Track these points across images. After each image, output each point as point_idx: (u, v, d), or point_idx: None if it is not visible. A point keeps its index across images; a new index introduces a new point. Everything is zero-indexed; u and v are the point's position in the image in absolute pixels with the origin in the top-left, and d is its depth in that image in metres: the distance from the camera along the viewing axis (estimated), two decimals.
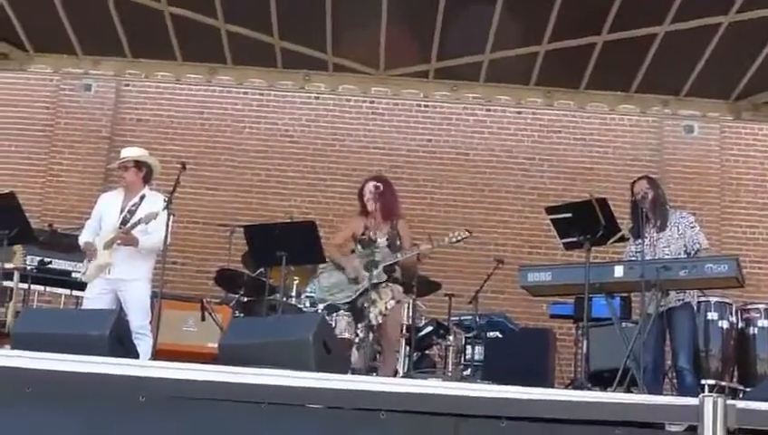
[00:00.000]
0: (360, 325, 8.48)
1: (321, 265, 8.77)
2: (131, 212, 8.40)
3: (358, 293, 8.45)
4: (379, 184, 8.74)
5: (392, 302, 8.48)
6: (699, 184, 13.11)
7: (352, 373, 7.59)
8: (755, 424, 5.05)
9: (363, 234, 8.60)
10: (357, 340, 8.48)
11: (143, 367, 6.43)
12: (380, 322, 8.42)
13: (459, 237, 8.76)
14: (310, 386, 5.58)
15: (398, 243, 8.59)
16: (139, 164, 8.59)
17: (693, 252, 8.10)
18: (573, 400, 5.35)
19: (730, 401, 4.30)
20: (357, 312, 8.51)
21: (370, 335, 8.33)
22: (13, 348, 7.22)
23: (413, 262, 8.72)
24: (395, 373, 8.56)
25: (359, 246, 8.61)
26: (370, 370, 8.39)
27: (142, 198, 8.49)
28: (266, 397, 5.52)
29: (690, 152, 13.30)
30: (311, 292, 9.61)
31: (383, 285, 8.48)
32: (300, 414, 5.68)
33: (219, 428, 5.62)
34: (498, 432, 5.50)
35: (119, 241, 8.23)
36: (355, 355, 8.38)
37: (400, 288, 8.64)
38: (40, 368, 5.66)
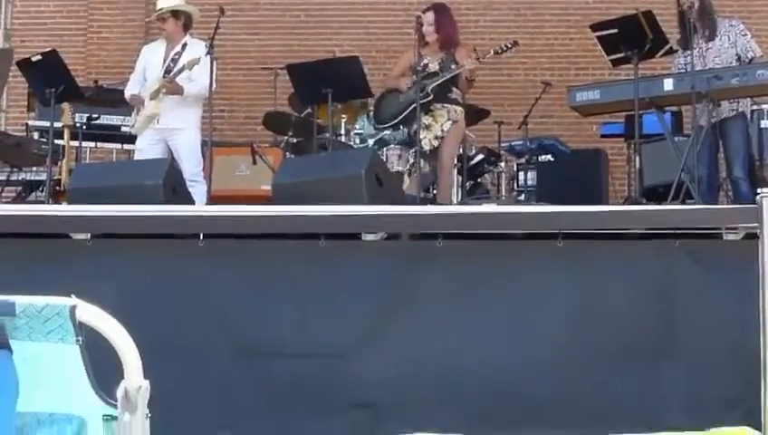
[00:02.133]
0: (410, 152, 8.39)
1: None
2: (174, 61, 8.40)
3: (402, 115, 8.40)
4: (436, 13, 8.61)
5: (449, 123, 8.38)
6: None
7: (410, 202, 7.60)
8: None
9: (418, 63, 8.49)
10: (408, 166, 8.41)
11: (200, 210, 6.52)
12: (435, 145, 8.35)
13: (505, 47, 8.64)
14: (364, 214, 5.62)
15: (454, 66, 8.44)
16: (176, 13, 8.55)
17: (747, 60, 7.94)
18: (629, 211, 5.36)
19: None
20: (409, 141, 8.44)
21: (422, 161, 8.27)
22: (69, 204, 7.33)
23: (464, 84, 8.56)
24: (450, 203, 8.56)
25: (414, 76, 8.54)
26: (425, 200, 8.39)
27: (184, 46, 8.47)
28: (322, 229, 5.58)
29: None
30: (360, 128, 9.59)
31: (439, 106, 8.38)
32: (357, 248, 5.74)
33: (279, 266, 5.70)
34: (556, 252, 5.54)
35: (164, 90, 8.24)
36: (406, 182, 8.33)
37: (459, 108, 8.51)
38: (97, 216, 5.73)
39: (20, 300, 2.21)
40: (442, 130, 8.35)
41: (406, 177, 8.35)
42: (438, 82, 8.33)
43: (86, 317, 2.17)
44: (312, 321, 5.61)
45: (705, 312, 5.44)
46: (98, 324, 2.14)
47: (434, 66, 8.44)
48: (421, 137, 8.11)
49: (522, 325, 5.56)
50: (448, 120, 8.39)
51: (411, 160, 8.35)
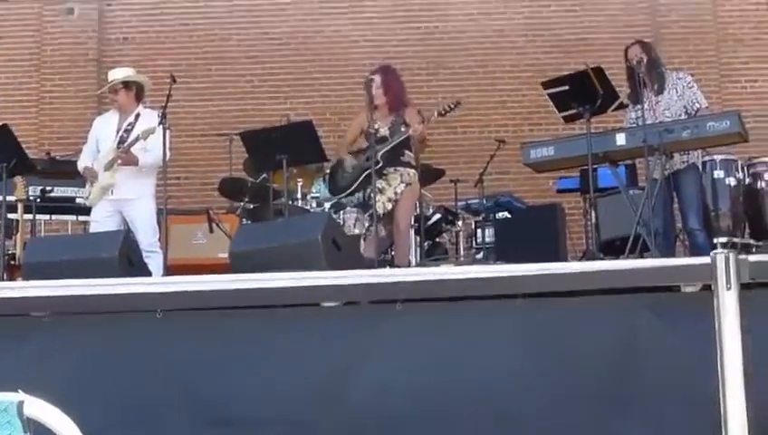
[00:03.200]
0: (365, 215, 8.40)
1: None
2: (128, 132, 8.38)
3: (357, 183, 8.41)
4: (383, 75, 8.66)
5: (402, 186, 8.38)
6: (695, 43, 12.95)
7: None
8: None
9: (369, 127, 8.51)
10: (364, 230, 8.41)
11: (157, 283, 6.46)
12: (389, 208, 8.34)
13: (449, 108, 8.65)
14: (323, 284, 5.59)
15: (403, 129, 8.46)
16: (127, 84, 8.56)
17: (693, 112, 8.05)
18: (587, 270, 5.36)
19: (741, 256, 4.29)
20: (364, 204, 8.45)
21: (379, 225, 8.26)
22: (25, 279, 7.25)
23: (418, 145, 8.58)
24: (408, 264, 8.56)
25: (361, 140, 8.56)
26: (383, 263, 8.38)
27: (137, 116, 8.46)
28: (281, 300, 5.54)
29: (684, 12, 13.11)
30: (316, 192, 9.60)
31: (391, 170, 8.39)
32: (316, 314, 5.70)
33: (238, 336, 5.64)
34: (514, 310, 5.52)
35: (119, 161, 8.21)
36: (362, 246, 8.32)
37: (412, 171, 8.51)
38: (54, 295, 5.66)
39: None
40: (395, 193, 8.35)
41: (362, 240, 8.35)
42: (387, 147, 8.36)
43: (34, 412, 2.12)
44: (272, 388, 5.55)
45: (664, 363, 5.42)
46: (46, 419, 2.10)
47: (384, 130, 8.47)
48: (375, 200, 8.11)
49: (482, 386, 5.53)
50: (401, 182, 8.39)
51: (367, 224, 8.35)
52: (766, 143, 10.42)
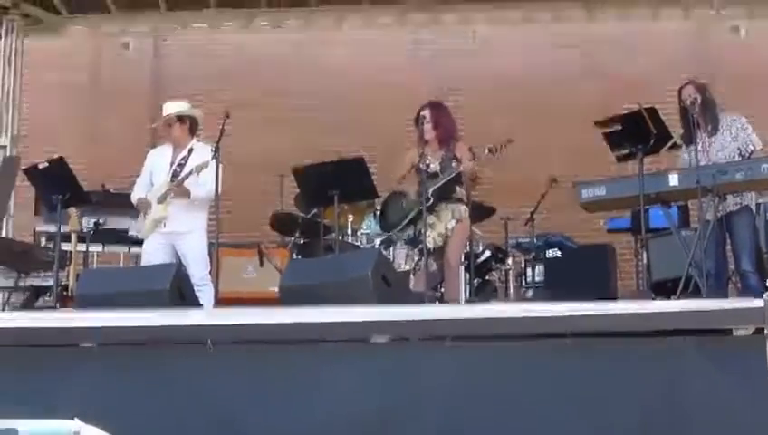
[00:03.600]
0: (415, 250, 8.42)
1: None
2: (181, 165, 8.44)
3: (408, 219, 8.42)
4: (433, 110, 8.70)
5: (453, 222, 8.41)
6: (749, 85, 12.87)
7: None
8: None
9: (419, 161, 8.53)
10: (413, 265, 8.42)
11: (208, 316, 6.49)
12: (440, 244, 8.36)
13: (500, 146, 8.55)
14: (372, 320, 5.58)
15: (454, 165, 8.48)
16: (182, 118, 8.63)
17: (747, 154, 7.99)
18: (639, 311, 5.32)
19: None
20: (414, 240, 8.46)
21: (430, 260, 8.25)
22: (77, 309, 7.31)
23: (469, 182, 8.60)
24: (458, 301, 8.54)
25: (413, 175, 8.59)
26: (433, 299, 8.38)
27: (191, 150, 8.52)
28: (330, 334, 5.54)
29: (738, 54, 13.06)
30: (366, 228, 9.61)
31: (443, 206, 8.41)
32: (364, 350, 5.70)
33: (287, 370, 5.65)
34: (564, 350, 5.50)
35: (172, 194, 8.27)
36: (412, 281, 8.32)
37: (463, 207, 8.53)
38: (106, 325, 5.70)
39: (23, 426, 2.18)
40: (446, 229, 8.38)
41: (411, 275, 8.34)
42: (438, 184, 8.38)
43: None
44: (323, 424, 5.54)
45: (716, 408, 5.38)
46: None
47: (435, 166, 8.48)
48: (426, 235, 8.13)
49: (532, 426, 5.49)
50: (452, 218, 8.42)
51: (416, 259, 8.35)
52: None
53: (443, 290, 8.69)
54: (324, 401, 5.55)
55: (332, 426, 5.50)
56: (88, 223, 9.65)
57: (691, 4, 13.08)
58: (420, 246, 8.24)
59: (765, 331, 4.12)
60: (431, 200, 8.30)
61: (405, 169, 8.72)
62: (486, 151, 8.55)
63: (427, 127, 8.61)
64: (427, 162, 8.45)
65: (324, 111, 13.34)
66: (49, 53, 13.64)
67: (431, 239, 8.26)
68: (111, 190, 10.69)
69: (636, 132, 7.70)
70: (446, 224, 8.40)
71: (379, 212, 8.88)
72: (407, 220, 8.45)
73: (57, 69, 13.62)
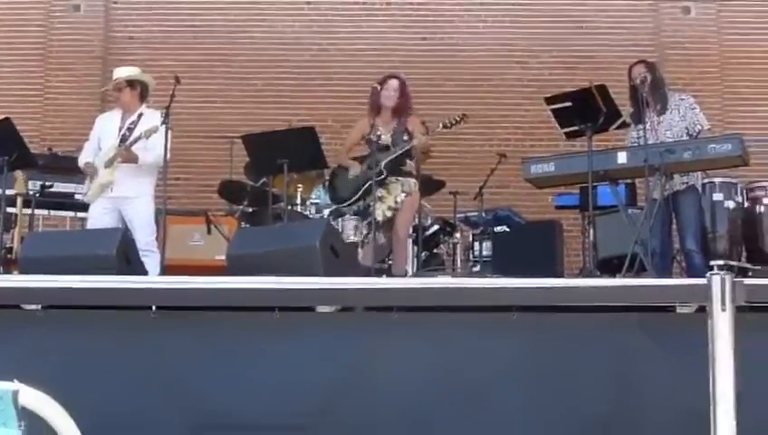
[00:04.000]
0: (363, 223, 8.48)
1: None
2: (130, 130, 8.40)
3: (360, 192, 8.43)
4: (401, 80, 8.77)
5: (402, 195, 8.45)
6: (699, 65, 12.97)
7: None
8: (763, 299, 5.08)
9: (370, 132, 8.59)
10: (362, 237, 8.47)
11: (152, 282, 6.46)
12: (389, 216, 8.42)
13: (454, 121, 8.66)
14: (319, 288, 5.59)
15: (406, 138, 8.53)
16: (132, 83, 8.58)
17: (695, 133, 8.06)
18: (583, 286, 5.37)
19: (737, 278, 4.31)
20: (364, 212, 8.50)
21: (378, 233, 8.32)
22: (21, 273, 7.25)
23: (420, 156, 8.68)
24: (405, 274, 8.57)
25: (367, 147, 8.60)
26: (380, 271, 8.40)
27: (140, 115, 8.47)
28: (276, 303, 5.54)
29: (688, 33, 13.15)
30: (315, 198, 9.60)
31: (393, 179, 8.45)
32: (311, 320, 5.70)
33: (232, 338, 5.64)
34: (509, 324, 5.53)
35: (119, 158, 8.21)
36: (360, 253, 8.37)
37: (413, 181, 8.58)
38: (48, 288, 5.66)
39: None
40: (396, 202, 8.42)
41: (359, 248, 8.36)
42: (390, 158, 8.41)
43: (29, 402, 2.13)
44: (268, 393, 5.55)
45: (659, 383, 5.44)
46: (41, 409, 2.10)
47: (386, 138, 8.53)
48: (375, 208, 8.17)
49: (475, 398, 5.53)
50: (402, 192, 8.46)
51: (365, 231, 8.36)
52: (766, 167, 10.44)
53: (390, 262, 8.73)
54: (272, 369, 5.57)
55: (279, 395, 5.52)
56: (34, 186, 9.53)
57: None
58: (370, 218, 8.27)
59: (707, 308, 4.16)
60: (383, 174, 8.33)
61: (354, 139, 8.74)
62: (441, 126, 8.58)
63: (393, 95, 8.64)
64: (378, 133, 8.48)
65: (275, 80, 13.27)
66: (1, 12, 13.45)
67: (380, 212, 8.32)
68: (59, 153, 10.57)
69: (585, 110, 7.74)
70: (396, 197, 8.44)
71: (327, 183, 8.86)
72: (358, 195, 8.46)
73: (6, 29, 13.44)
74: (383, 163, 8.35)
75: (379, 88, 8.65)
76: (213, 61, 13.28)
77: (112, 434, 5.11)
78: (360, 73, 12.56)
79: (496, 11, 13.40)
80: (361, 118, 8.83)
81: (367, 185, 8.35)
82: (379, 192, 8.31)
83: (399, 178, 8.49)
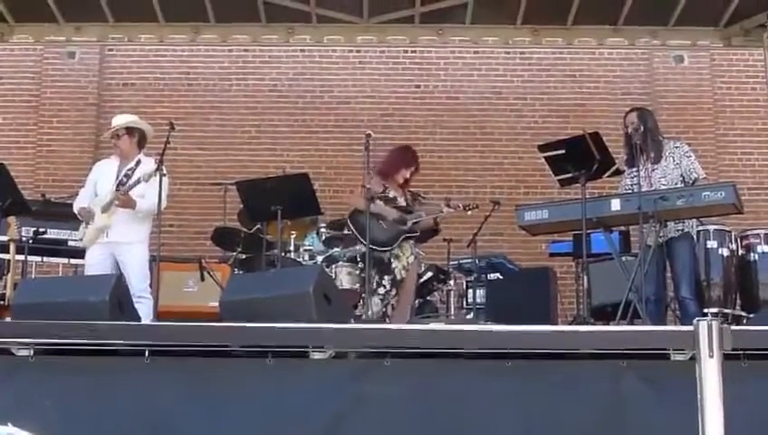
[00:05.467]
0: (386, 278, 8.61)
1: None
2: (128, 176, 8.39)
3: (398, 241, 8.66)
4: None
5: (411, 257, 8.75)
6: (692, 113, 13.06)
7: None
8: (751, 345, 5.07)
9: (383, 192, 8.78)
10: (383, 291, 8.60)
11: (145, 328, 6.43)
12: (403, 276, 8.66)
13: (474, 205, 9.31)
14: (312, 333, 5.56)
15: (423, 205, 8.98)
16: (130, 130, 8.58)
17: (690, 181, 8.06)
18: (576, 332, 5.36)
19: (725, 325, 4.30)
20: (381, 264, 8.62)
21: (394, 290, 8.61)
22: (13, 319, 7.22)
23: (430, 223, 9.00)
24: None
25: (379, 202, 8.68)
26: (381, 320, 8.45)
27: (138, 163, 8.47)
28: (270, 347, 5.52)
29: (681, 82, 13.24)
30: (309, 245, 9.60)
31: (403, 240, 8.70)
32: (304, 366, 5.68)
33: (225, 383, 5.62)
34: (504, 372, 5.51)
35: (117, 202, 8.21)
36: (378, 305, 8.53)
37: (412, 243, 8.87)
38: (40, 334, 5.63)
39: None
40: (408, 262, 8.73)
41: (378, 300, 8.57)
42: (417, 220, 8.76)
43: None
44: None
45: (652, 431, 5.42)
46: None
47: (401, 201, 8.84)
48: (393, 266, 8.56)
49: None
50: (411, 254, 8.77)
51: (389, 288, 8.64)
52: (759, 215, 10.48)
53: (391, 315, 8.77)
54: (265, 416, 5.54)
55: None
56: (27, 232, 9.51)
57: (636, 33, 13.18)
58: (393, 276, 8.62)
59: (695, 355, 4.15)
60: (416, 233, 8.78)
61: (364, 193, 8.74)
62: (461, 208, 9.10)
63: (407, 174, 8.92)
64: (394, 195, 8.79)
65: (269, 127, 13.32)
66: None
67: (398, 271, 8.65)
68: (52, 199, 10.57)
69: (579, 157, 7.75)
70: (407, 258, 8.72)
71: (351, 224, 8.79)
72: (396, 243, 8.65)
73: (2, 76, 13.49)
74: (410, 222, 8.69)
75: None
76: (206, 108, 13.35)
77: None
78: (353, 121, 12.65)
79: (490, 59, 13.49)
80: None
81: (402, 238, 8.64)
82: (396, 251, 8.63)
83: (408, 240, 8.80)
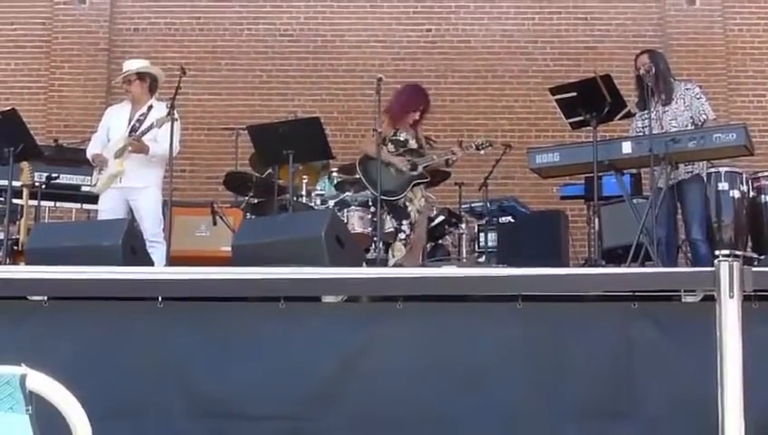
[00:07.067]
0: (404, 222, 8.67)
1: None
2: (140, 122, 8.42)
3: (408, 188, 8.67)
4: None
5: (423, 200, 8.78)
6: (704, 56, 12.96)
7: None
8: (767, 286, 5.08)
9: (394, 135, 8.80)
10: (403, 236, 8.67)
11: (158, 272, 6.47)
12: (417, 218, 8.72)
13: (486, 144, 9.25)
14: (325, 278, 5.60)
15: (443, 153, 8.96)
16: (142, 75, 8.59)
17: (700, 123, 8.04)
18: (588, 274, 5.37)
19: (745, 266, 4.31)
20: (397, 209, 8.67)
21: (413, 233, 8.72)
22: (27, 264, 7.27)
23: (441, 164, 9.04)
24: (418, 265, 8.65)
25: (390, 146, 8.73)
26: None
27: (150, 108, 8.50)
28: (282, 293, 5.55)
29: (693, 24, 13.13)
30: (321, 189, 9.61)
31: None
32: (317, 310, 5.71)
33: (238, 328, 5.65)
34: (514, 313, 5.54)
35: (130, 148, 8.24)
36: (402, 251, 8.62)
37: (422, 187, 8.90)
38: (53, 279, 5.67)
39: None
40: (420, 205, 8.77)
41: (401, 245, 8.63)
42: (429, 163, 8.79)
43: (37, 386, 2.14)
44: (272, 381, 5.56)
45: (663, 373, 5.44)
46: (48, 394, 2.12)
47: (413, 143, 8.84)
48: (409, 209, 8.65)
49: (479, 386, 5.54)
50: (422, 197, 8.82)
51: (408, 232, 8.69)
52: None
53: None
54: (277, 360, 5.58)
55: (284, 385, 5.53)
56: (40, 177, 9.52)
57: None
58: (411, 219, 8.69)
59: (715, 296, 4.15)
60: (427, 178, 8.80)
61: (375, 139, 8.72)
62: (474, 147, 9.14)
63: (417, 115, 8.91)
64: (405, 138, 8.80)
65: (280, 72, 13.28)
66: (6, 5, 13.46)
67: (413, 213, 8.71)
68: (64, 145, 10.58)
69: (590, 100, 7.73)
70: (419, 201, 8.76)
71: (361, 175, 8.79)
72: (406, 191, 8.66)
73: (14, 22, 13.45)
74: (422, 165, 8.70)
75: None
76: (218, 53, 13.30)
77: (118, 421, 5.13)
78: (364, 65, 12.60)
79: (501, 2, 13.39)
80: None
81: (413, 184, 8.65)
82: (409, 193, 8.65)
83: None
